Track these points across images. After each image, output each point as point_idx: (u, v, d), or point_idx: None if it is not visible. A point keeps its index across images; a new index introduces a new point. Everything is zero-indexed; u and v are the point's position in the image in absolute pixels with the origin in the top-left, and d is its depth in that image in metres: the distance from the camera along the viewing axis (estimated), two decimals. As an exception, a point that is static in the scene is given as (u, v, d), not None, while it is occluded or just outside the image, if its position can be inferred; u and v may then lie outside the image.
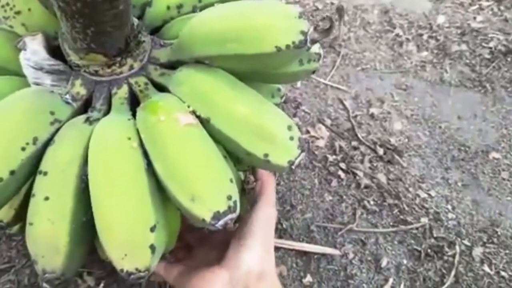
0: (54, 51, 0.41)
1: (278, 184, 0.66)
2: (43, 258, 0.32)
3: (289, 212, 0.64)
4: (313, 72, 0.43)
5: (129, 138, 0.32)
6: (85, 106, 0.38)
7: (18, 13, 0.41)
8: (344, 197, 0.65)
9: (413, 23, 0.89)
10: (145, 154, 0.32)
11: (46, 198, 0.31)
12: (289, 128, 0.34)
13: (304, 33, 0.31)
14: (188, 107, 0.34)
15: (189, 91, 0.35)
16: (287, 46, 0.31)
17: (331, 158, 0.69)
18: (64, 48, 0.38)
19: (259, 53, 0.32)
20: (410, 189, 0.65)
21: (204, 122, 0.33)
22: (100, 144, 0.32)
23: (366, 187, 0.65)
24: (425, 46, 0.86)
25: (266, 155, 0.33)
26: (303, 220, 0.63)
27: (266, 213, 0.41)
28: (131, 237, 0.30)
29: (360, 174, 0.67)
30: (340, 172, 0.68)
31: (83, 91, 0.38)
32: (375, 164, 0.68)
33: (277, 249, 0.60)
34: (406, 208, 0.63)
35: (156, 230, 0.30)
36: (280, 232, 0.62)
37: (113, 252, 0.30)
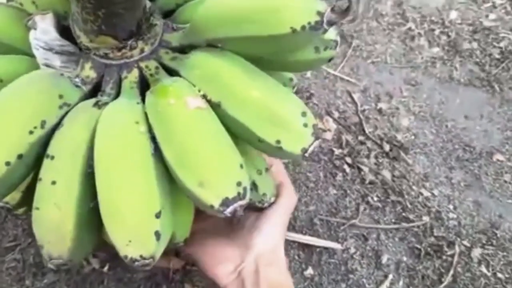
0: (64, 31, 0.40)
1: (283, 175, 0.67)
2: (49, 243, 0.32)
3: (293, 204, 0.64)
4: (330, 60, 0.42)
5: (137, 123, 0.32)
6: (95, 89, 0.37)
7: None
8: (348, 191, 0.65)
9: (426, 17, 0.88)
10: (153, 139, 0.32)
11: (53, 183, 0.31)
12: (303, 114, 0.33)
13: (320, 13, 0.30)
14: (199, 91, 0.33)
15: (200, 74, 0.34)
16: (303, 27, 0.30)
17: (337, 151, 0.69)
18: (74, 30, 0.37)
19: (274, 34, 0.31)
20: (414, 187, 0.66)
21: (215, 106, 0.33)
22: (107, 128, 0.32)
23: (371, 182, 0.66)
24: (436, 42, 0.85)
25: (278, 141, 0.32)
26: (307, 212, 0.63)
27: (287, 201, 0.40)
28: (135, 223, 0.29)
29: (365, 169, 0.67)
30: (345, 166, 0.68)
31: (93, 75, 0.37)
32: (380, 160, 0.68)
33: (280, 240, 0.61)
34: (409, 206, 0.64)
35: (161, 216, 0.30)
36: (284, 224, 0.62)
37: (117, 238, 0.29)
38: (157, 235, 0.29)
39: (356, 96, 0.76)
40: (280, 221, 0.39)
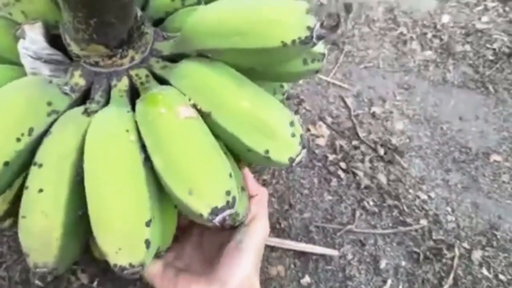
0: (53, 40, 0.40)
1: (277, 183, 0.66)
2: (35, 251, 0.31)
3: (288, 211, 0.63)
4: (317, 72, 0.42)
5: (127, 131, 0.32)
6: (84, 97, 0.37)
7: (18, 0, 0.39)
8: (344, 197, 0.64)
9: (418, 21, 0.88)
10: (143, 148, 0.31)
11: (40, 190, 0.31)
12: (291, 124, 0.33)
13: (310, 28, 0.30)
14: (189, 100, 0.33)
15: (191, 84, 0.34)
16: (293, 42, 0.30)
17: (331, 157, 0.68)
18: (64, 38, 0.37)
19: (264, 47, 0.31)
20: (410, 190, 0.65)
21: (205, 116, 0.33)
22: (97, 136, 0.31)
23: (366, 187, 0.65)
24: (429, 45, 0.85)
25: (266, 151, 0.32)
26: (302, 220, 0.62)
27: (261, 229, 0.40)
28: (126, 231, 0.29)
29: (360, 174, 0.66)
30: (340, 172, 0.67)
31: (82, 82, 0.37)
32: (375, 164, 0.68)
33: (275, 249, 0.59)
34: (406, 210, 0.63)
35: (151, 225, 0.30)
36: (279, 232, 0.61)
37: (107, 246, 0.29)
38: (147, 243, 0.29)
39: (349, 101, 0.76)
40: (255, 254, 0.38)
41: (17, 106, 0.32)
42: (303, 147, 0.33)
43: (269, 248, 0.59)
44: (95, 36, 0.33)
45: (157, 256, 0.39)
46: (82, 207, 0.32)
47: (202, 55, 0.35)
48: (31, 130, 0.31)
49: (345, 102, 0.76)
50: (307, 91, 0.78)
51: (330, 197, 0.65)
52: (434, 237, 0.61)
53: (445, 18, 0.89)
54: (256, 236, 0.39)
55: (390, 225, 0.62)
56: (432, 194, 0.65)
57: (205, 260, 0.40)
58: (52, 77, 0.38)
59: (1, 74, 0.40)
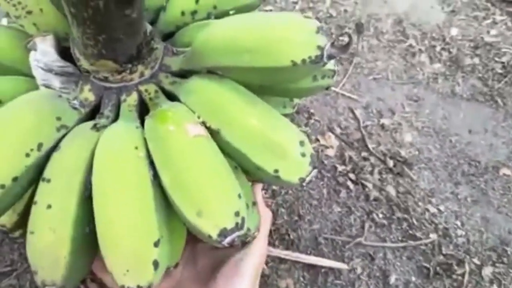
0: (64, 52, 0.40)
1: (286, 193, 0.66)
2: (42, 269, 0.31)
3: (297, 222, 0.63)
4: (327, 88, 0.42)
5: (136, 148, 0.31)
6: (93, 112, 0.37)
7: (29, 12, 0.40)
8: (353, 209, 0.64)
9: (426, 34, 0.88)
10: (152, 165, 0.31)
11: (49, 206, 0.30)
12: (301, 143, 0.33)
13: (321, 48, 0.30)
14: (198, 117, 0.33)
15: (200, 101, 0.34)
16: (303, 61, 0.30)
17: (340, 168, 0.68)
18: (74, 53, 0.37)
19: (274, 66, 0.31)
20: (420, 203, 0.65)
21: (214, 134, 0.32)
22: (106, 152, 0.31)
23: (375, 199, 0.65)
24: (437, 58, 0.85)
25: (276, 170, 0.32)
26: (311, 231, 0.62)
27: (262, 250, 0.39)
28: (134, 252, 0.29)
29: (369, 185, 0.66)
30: (349, 183, 0.67)
31: (91, 97, 0.37)
32: (384, 176, 0.67)
33: (284, 261, 0.59)
34: (415, 223, 0.62)
35: (160, 245, 0.29)
36: (287, 243, 0.61)
37: (114, 267, 0.29)
38: (155, 264, 0.29)
39: (358, 112, 0.76)
40: (254, 275, 0.38)
41: (26, 121, 0.32)
42: (314, 167, 0.33)
43: (278, 260, 0.59)
44: (104, 52, 0.34)
45: (166, 272, 0.39)
46: (90, 223, 0.31)
47: (212, 72, 0.35)
48: (40, 146, 0.31)
49: (354, 113, 0.76)
50: (316, 101, 0.78)
51: (339, 209, 0.64)
52: (444, 252, 0.60)
53: (454, 31, 0.89)
54: (256, 256, 0.39)
55: (400, 238, 0.61)
56: (442, 208, 0.64)
57: (198, 279, 0.39)
58: (63, 89, 0.38)
59: (14, 85, 0.40)
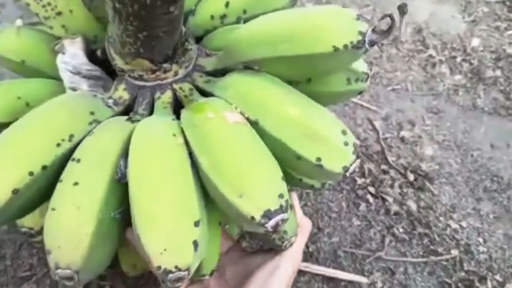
0: (91, 55, 0.40)
1: (305, 205, 0.65)
2: (59, 249, 0.28)
3: (316, 235, 0.62)
4: (360, 93, 0.41)
5: (174, 135, 0.31)
6: (126, 112, 0.37)
7: (59, 14, 0.40)
8: (373, 222, 0.64)
9: (447, 44, 0.88)
10: (189, 154, 0.31)
11: (76, 184, 0.29)
12: (344, 132, 0.31)
13: (362, 33, 0.29)
14: (236, 108, 0.32)
15: (237, 93, 0.33)
16: (345, 46, 0.29)
17: (359, 181, 0.68)
18: (109, 52, 0.37)
19: (314, 53, 0.30)
20: (441, 218, 0.64)
21: (252, 124, 0.32)
22: (144, 137, 0.31)
23: (396, 213, 0.64)
24: (458, 69, 0.84)
25: (318, 159, 0.30)
26: (330, 244, 0.62)
27: (296, 261, 0.38)
28: (173, 229, 0.27)
29: (390, 199, 0.65)
30: (368, 196, 0.66)
31: (125, 96, 0.37)
32: (405, 190, 0.67)
33: (303, 273, 0.59)
34: (437, 238, 0.62)
35: (200, 226, 0.28)
36: (307, 255, 0.61)
37: (151, 245, 0.26)
38: (195, 244, 0.27)
39: (377, 124, 0.76)
40: (289, 282, 0.37)
41: (60, 113, 0.32)
42: (357, 157, 0.31)
43: (298, 272, 0.59)
44: (141, 50, 0.34)
45: (200, 279, 0.38)
46: (117, 208, 0.30)
47: (247, 68, 0.35)
48: (71, 137, 0.31)
49: (373, 125, 0.76)
50: (334, 112, 0.78)
51: (358, 222, 0.64)
52: (465, 268, 0.59)
53: (475, 42, 0.88)
54: (293, 265, 0.38)
55: (421, 253, 0.61)
56: (464, 224, 0.64)
57: None
58: (90, 92, 0.39)
59: (41, 87, 0.40)
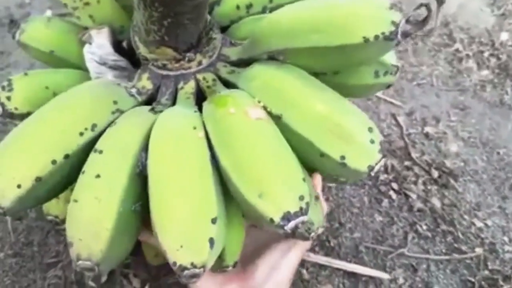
0: (116, 46, 0.40)
1: (326, 200, 0.65)
2: (80, 241, 0.28)
3: (338, 230, 0.62)
4: (388, 86, 0.40)
5: (195, 128, 0.31)
6: (149, 101, 0.37)
7: (87, 4, 0.40)
8: (395, 219, 0.63)
9: (474, 38, 0.86)
10: (210, 148, 0.30)
11: (98, 176, 0.29)
12: (370, 130, 0.31)
13: (395, 24, 0.28)
14: (259, 102, 0.32)
15: (261, 86, 0.33)
16: (376, 37, 0.28)
17: (382, 176, 0.67)
18: (134, 41, 0.37)
19: (344, 44, 0.29)
20: (465, 216, 0.63)
21: (275, 119, 0.31)
22: (164, 130, 0.31)
23: (419, 210, 0.64)
24: (485, 64, 0.82)
25: (342, 157, 0.30)
26: (351, 239, 0.62)
27: (306, 246, 0.38)
28: (190, 226, 0.27)
29: (413, 196, 0.65)
30: (391, 192, 0.66)
31: (149, 85, 0.37)
32: (429, 187, 0.66)
33: (324, 267, 0.59)
34: (461, 236, 0.61)
35: (217, 223, 0.27)
36: (328, 250, 0.61)
37: (167, 241, 0.27)
38: (211, 242, 0.27)
39: (401, 119, 0.75)
40: (295, 265, 0.37)
41: (83, 101, 0.32)
42: (383, 156, 0.30)
43: (319, 266, 0.59)
44: (166, 38, 0.33)
45: (223, 270, 0.38)
46: (137, 201, 0.30)
47: (273, 58, 0.34)
48: (94, 126, 0.31)
49: (396, 120, 0.75)
50: (357, 106, 0.77)
51: (381, 218, 0.64)
52: (490, 267, 0.59)
53: (504, 36, 0.86)
54: (303, 249, 0.38)
55: (444, 251, 0.60)
56: (489, 222, 0.63)
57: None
58: (114, 81, 0.39)
59: (68, 78, 0.41)
